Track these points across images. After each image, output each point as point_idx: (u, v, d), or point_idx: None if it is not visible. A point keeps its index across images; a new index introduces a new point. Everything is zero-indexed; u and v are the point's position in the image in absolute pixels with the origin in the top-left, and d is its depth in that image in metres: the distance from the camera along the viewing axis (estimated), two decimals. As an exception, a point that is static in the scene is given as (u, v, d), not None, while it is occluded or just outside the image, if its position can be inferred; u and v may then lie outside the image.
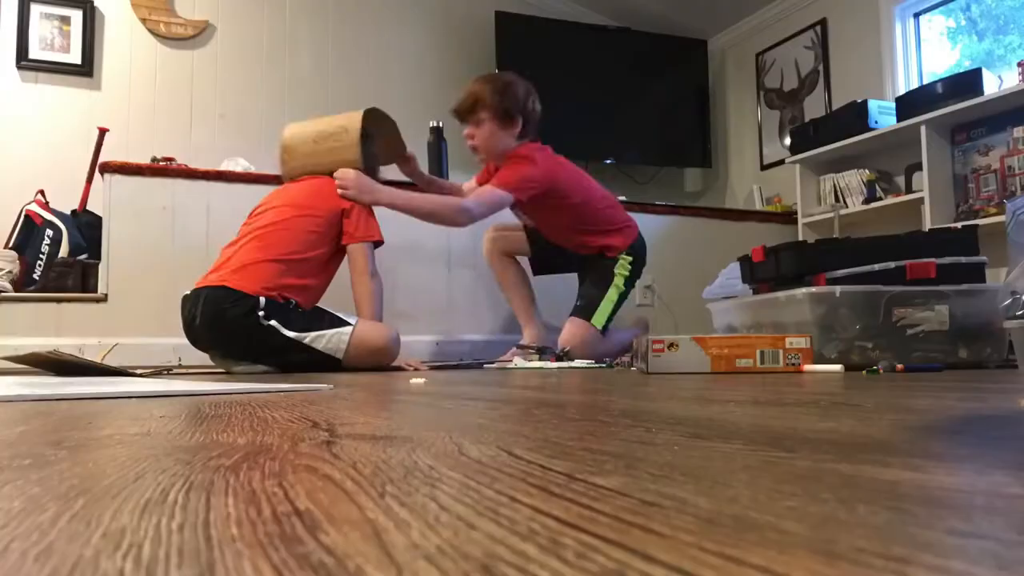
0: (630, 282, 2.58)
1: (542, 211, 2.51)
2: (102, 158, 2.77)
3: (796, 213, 3.51)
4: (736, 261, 2.19)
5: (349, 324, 2.12)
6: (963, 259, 1.74)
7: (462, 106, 2.41)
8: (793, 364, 1.55)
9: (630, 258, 2.56)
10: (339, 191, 2.20)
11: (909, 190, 3.12)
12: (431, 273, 2.98)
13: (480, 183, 2.55)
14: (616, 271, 2.53)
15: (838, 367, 1.54)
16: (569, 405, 0.79)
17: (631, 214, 3.35)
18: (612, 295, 2.51)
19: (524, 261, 2.74)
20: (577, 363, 2.28)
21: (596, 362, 2.30)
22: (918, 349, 1.68)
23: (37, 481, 0.35)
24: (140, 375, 1.59)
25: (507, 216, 2.59)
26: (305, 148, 2.26)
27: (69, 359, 1.57)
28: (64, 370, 1.66)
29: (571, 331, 2.45)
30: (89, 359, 1.70)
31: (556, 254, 2.64)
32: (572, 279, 2.71)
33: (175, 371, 2.01)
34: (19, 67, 3.30)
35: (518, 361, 2.37)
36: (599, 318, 2.47)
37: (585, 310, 2.50)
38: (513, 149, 2.39)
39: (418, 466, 0.39)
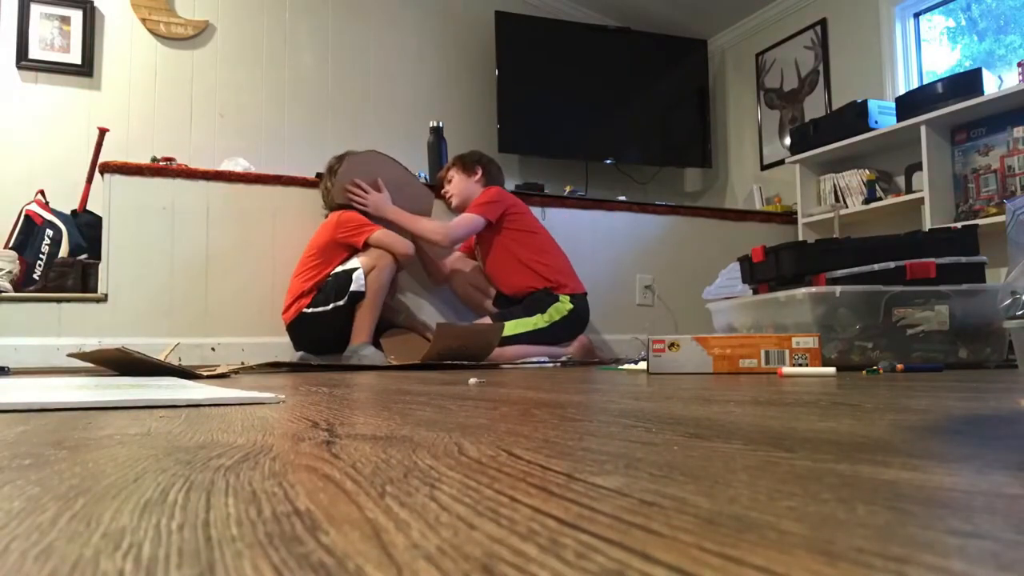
0: (557, 327, 2.66)
1: (502, 240, 2.76)
2: (102, 158, 2.77)
3: (796, 213, 3.51)
4: (736, 261, 2.19)
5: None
6: (963, 259, 1.74)
7: (440, 176, 2.95)
8: (800, 365, 1.51)
9: (571, 306, 2.69)
10: (359, 205, 2.68)
11: (909, 190, 3.12)
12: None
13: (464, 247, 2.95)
14: (552, 307, 2.67)
15: (831, 370, 1.47)
16: (569, 405, 0.79)
17: (631, 214, 3.36)
18: (536, 320, 2.64)
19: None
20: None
21: (468, 357, 2.36)
22: (918, 349, 1.68)
23: (37, 481, 0.35)
24: (206, 376, 1.58)
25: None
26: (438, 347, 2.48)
27: (136, 358, 1.57)
28: (127, 369, 1.65)
29: (484, 324, 2.60)
30: (156, 358, 1.69)
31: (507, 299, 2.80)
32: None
33: (240, 371, 2.01)
34: (19, 67, 3.30)
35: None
36: (511, 327, 2.59)
37: (502, 316, 2.64)
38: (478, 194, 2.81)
39: (418, 466, 0.39)
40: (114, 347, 1.63)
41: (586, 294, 2.79)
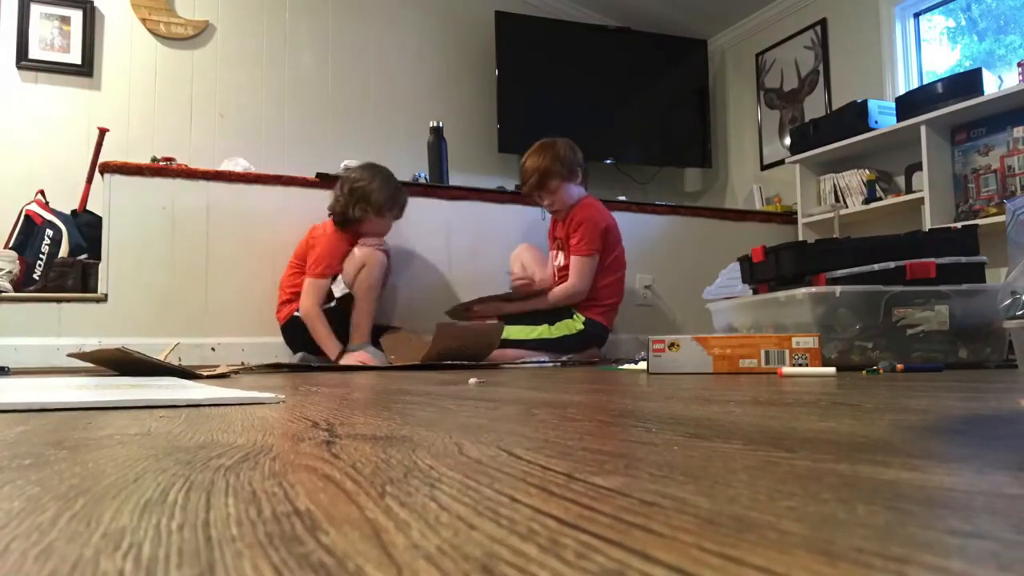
0: (569, 340, 2.62)
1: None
2: (102, 158, 2.77)
3: (796, 213, 3.51)
4: (736, 261, 2.19)
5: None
6: (963, 259, 1.74)
7: (531, 185, 2.68)
8: (800, 365, 1.51)
9: (582, 327, 2.64)
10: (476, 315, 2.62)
11: (909, 190, 3.12)
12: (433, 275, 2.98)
13: (530, 249, 2.88)
14: (562, 321, 2.62)
15: (831, 370, 1.47)
16: (569, 405, 0.79)
17: (631, 214, 3.35)
18: (542, 330, 2.60)
19: None
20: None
21: (469, 358, 2.33)
22: (918, 349, 1.68)
23: (37, 481, 0.35)
24: (205, 376, 1.58)
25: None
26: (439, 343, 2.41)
27: (136, 357, 1.57)
28: (127, 369, 1.65)
29: (484, 323, 2.55)
30: (155, 358, 1.69)
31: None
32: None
33: (240, 371, 2.01)
34: (19, 67, 3.30)
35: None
36: (515, 331, 2.55)
37: (508, 319, 2.58)
38: (576, 202, 2.70)
39: (418, 466, 0.39)
40: (114, 347, 1.63)
41: (608, 329, 2.74)
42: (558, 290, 2.67)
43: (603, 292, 2.70)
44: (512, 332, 2.55)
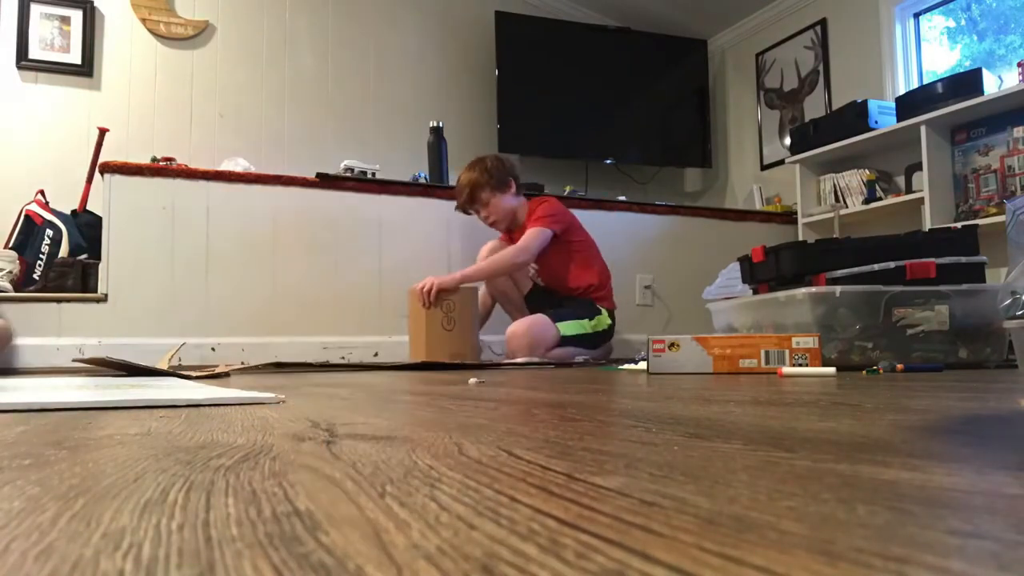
0: (597, 336, 2.69)
1: (563, 248, 2.72)
2: (102, 158, 2.77)
3: (796, 213, 3.51)
4: (736, 261, 2.19)
5: None
6: (963, 259, 1.74)
7: (463, 199, 2.71)
8: (800, 365, 1.51)
9: (609, 321, 2.72)
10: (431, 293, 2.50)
11: (909, 190, 3.12)
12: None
13: (503, 243, 2.81)
14: (597, 317, 2.69)
15: (831, 370, 1.46)
16: (569, 405, 0.79)
17: (631, 214, 3.36)
18: (585, 325, 2.65)
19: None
20: (520, 360, 2.41)
21: (537, 360, 2.42)
22: (918, 349, 1.68)
23: (37, 481, 0.35)
24: (196, 377, 1.58)
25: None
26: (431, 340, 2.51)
27: (127, 364, 1.59)
28: (129, 369, 1.66)
29: (532, 321, 2.58)
30: (140, 364, 1.70)
31: (548, 297, 2.79)
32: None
33: (239, 371, 2.01)
34: (19, 67, 3.30)
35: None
36: (565, 327, 2.59)
37: (558, 315, 2.62)
38: (526, 204, 2.75)
39: (418, 466, 0.39)
40: (100, 357, 1.65)
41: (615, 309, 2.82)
42: (504, 251, 2.66)
43: (603, 278, 2.77)
44: (567, 328, 2.60)
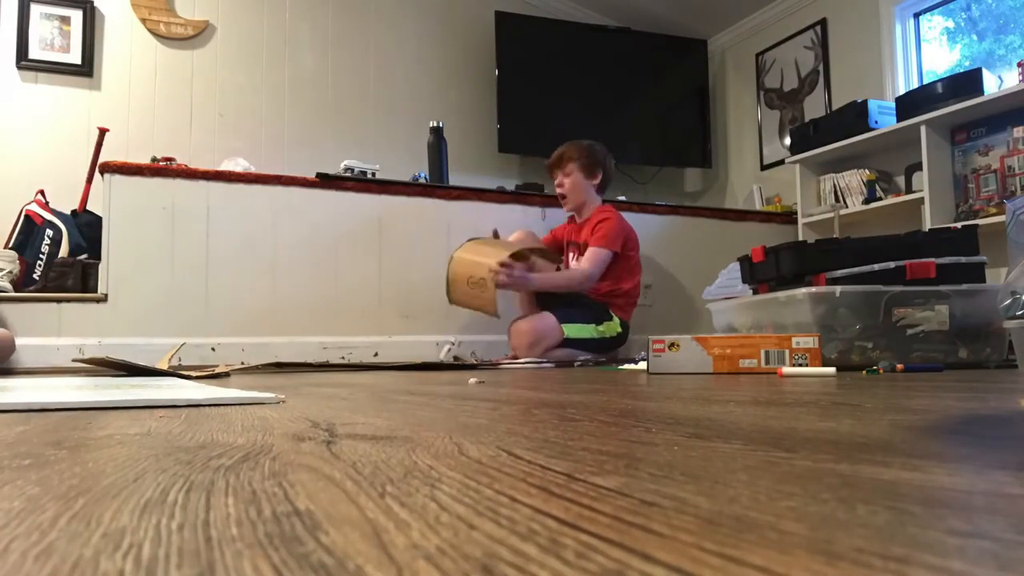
0: (606, 342, 2.72)
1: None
2: (102, 158, 2.77)
3: (796, 213, 3.51)
4: (736, 261, 2.19)
5: None
6: (963, 259, 1.74)
7: (554, 159, 2.82)
8: (800, 365, 1.51)
9: (619, 330, 2.74)
10: (500, 287, 2.55)
11: (909, 190, 3.12)
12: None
13: (557, 236, 2.94)
14: (606, 323, 2.71)
15: (831, 370, 1.46)
16: (569, 405, 0.79)
17: (631, 214, 3.36)
18: (592, 329, 2.67)
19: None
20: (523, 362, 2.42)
21: (537, 360, 2.44)
22: (918, 349, 1.68)
23: (37, 481, 0.35)
24: (195, 377, 1.58)
25: None
26: (460, 287, 2.65)
27: (127, 364, 1.59)
28: (129, 369, 1.67)
29: (538, 320, 2.60)
30: (139, 363, 1.71)
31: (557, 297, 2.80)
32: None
33: (238, 371, 2.02)
34: (19, 67, 3.30)
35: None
36: (570, 329, 2.61)
37: (566, 316, 2.62)
38: (594, 209, 2.79)
39: (418, 466, 0.39)
40: (100, 357, 1.65)
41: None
42: (574, 270, 2.74)
43: (632, 293, 2.80)
44: (572, 331, 2.62)
